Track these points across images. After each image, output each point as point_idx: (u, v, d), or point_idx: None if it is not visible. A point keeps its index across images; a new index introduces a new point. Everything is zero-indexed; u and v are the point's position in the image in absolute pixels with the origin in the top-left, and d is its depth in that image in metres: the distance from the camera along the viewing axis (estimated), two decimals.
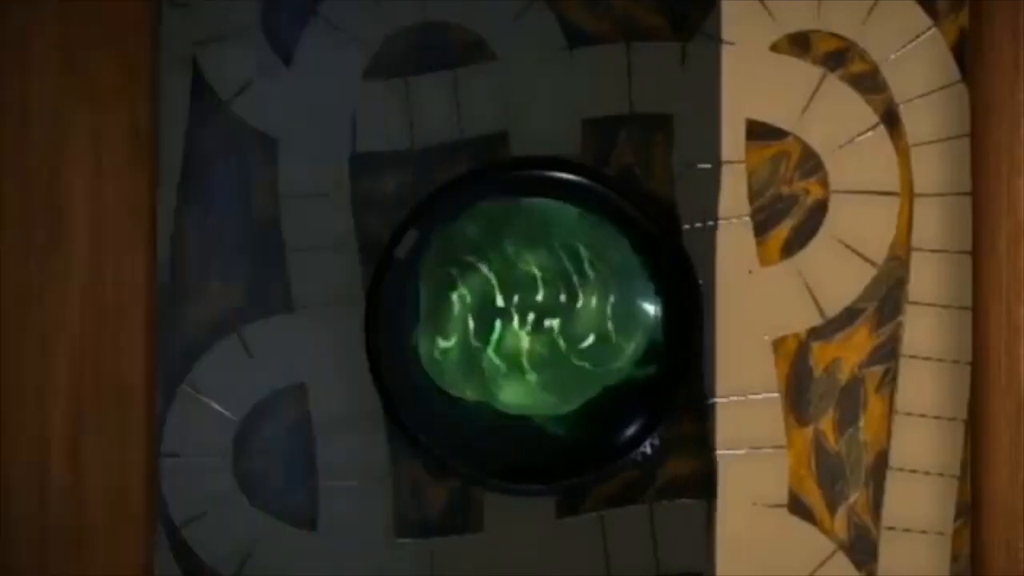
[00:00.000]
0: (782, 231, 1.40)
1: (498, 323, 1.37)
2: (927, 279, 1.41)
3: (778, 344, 1.40)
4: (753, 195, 1.40)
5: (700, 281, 1.38)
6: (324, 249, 1.38)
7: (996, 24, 1.34)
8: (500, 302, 1.37)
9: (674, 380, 1.38)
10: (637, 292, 1.38)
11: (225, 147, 1.38)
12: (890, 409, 1.41)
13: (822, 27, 1.39)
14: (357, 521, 1.39)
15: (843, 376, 1.41)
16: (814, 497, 1.41)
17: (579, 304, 1.38)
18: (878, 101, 1.40)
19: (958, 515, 1.40)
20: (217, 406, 1.38)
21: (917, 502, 1.41)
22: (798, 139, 1.40)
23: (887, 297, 1.41)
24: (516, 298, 1.38)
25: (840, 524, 1.41)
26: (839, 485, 1.41)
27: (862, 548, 1.41)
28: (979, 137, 1.36)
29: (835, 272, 1.40)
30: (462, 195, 1.38)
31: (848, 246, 1.40)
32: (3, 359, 1.35)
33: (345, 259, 1.38)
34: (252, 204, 1.38)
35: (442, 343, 1.37)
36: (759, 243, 1.40)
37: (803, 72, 1.40)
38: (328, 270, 1.38)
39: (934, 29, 1.40)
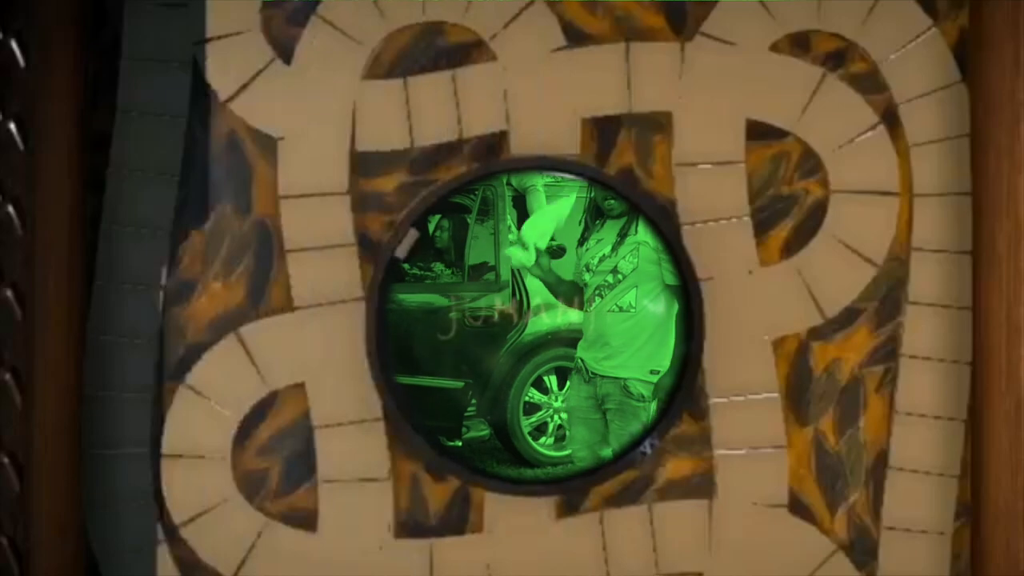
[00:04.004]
0: (782, 231, 1.41)
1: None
2: (927, 279, 1.41)
3: (778, 344, 1.40)
4: (753, 195, 1.40)
5: (700, 281, 1.38)
6: (324, 249, 1.38)
7: (996, 24, 1.34)
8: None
9: (674, 380, 1.38)
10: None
11: (225, 147, 1.38)
12: (890, 409, 1.41)
13: (822, 27, 1.39)
14: (357, 521, 1.39)
15: (843, 376, 1.41)
16: (814, 497, 1.41)
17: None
18: (878, 101, 1.41)
19: (958, 515, 1.41)
20: (217, 406, 1.38)
21: (917, 502, 1.41)
22: (798, 139, 1.40)
23: (887, 297, 1.41)
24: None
25: (840, 524, 1.41)
26: (839, 485, 1.41)
27: (862, 548, 1.41)
28: (979, 137, 1.36)
29: (835, 272, 1.40)
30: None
31: (848, 246, 1.40)
32: None
33: (345, 259, 1.38)
34: (252, 204, 1.38)
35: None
36: (759, 243, 1.40)
37: (803, 72, 1.40)
38: (328, 270, 1.38)
39: (934, 29, 1.40)
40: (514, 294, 1.41)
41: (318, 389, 1.38)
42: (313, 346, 1.38)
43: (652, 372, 1.38)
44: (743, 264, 1.40)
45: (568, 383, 1.41)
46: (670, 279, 1.37)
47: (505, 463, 1.41)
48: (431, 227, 1.40)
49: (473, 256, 1.42)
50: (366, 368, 1.37)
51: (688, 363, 1.38)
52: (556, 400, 1.43)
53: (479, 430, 1.41)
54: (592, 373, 1.38)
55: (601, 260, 1.38)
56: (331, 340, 1.38)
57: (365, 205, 1.38)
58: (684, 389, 1.38)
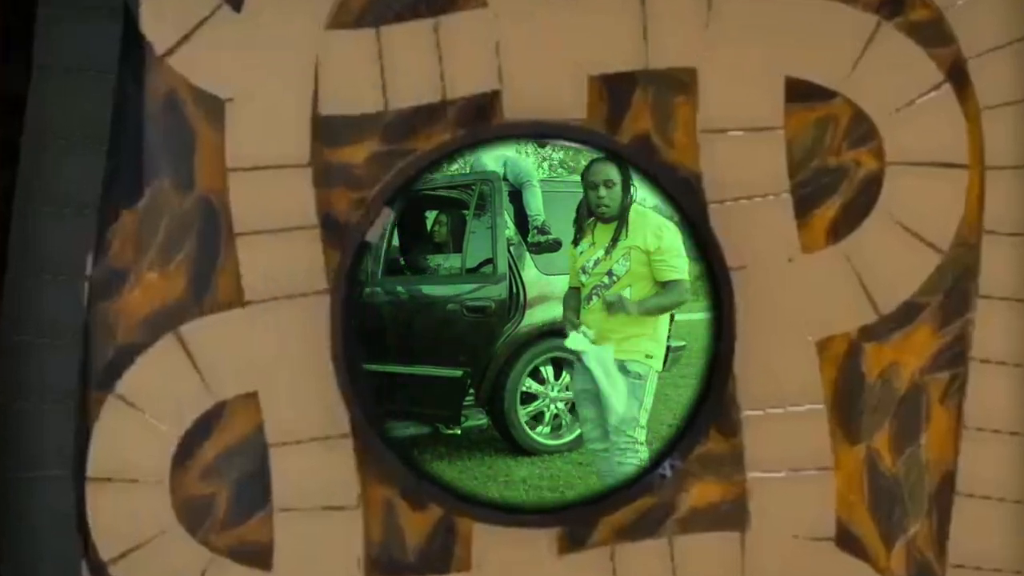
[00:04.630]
0: (828, 210, 1.30)
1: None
2: (1002, 268, 1.30)
3: (824, 345, 1.30)
4: (794, 167, 1.30)
5: (731, 270, 1.28)
6: (281, 232, 1.28)
7: None
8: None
9: (699, 388, 1.29)
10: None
11: (162, 109, 1.27)
12: (958, 423, 1.31)
13: None
14: (320, 556, 1.28)
15: (901, 384, 1.31)
16: (866, 528, 1.31)
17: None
18: (943, 55, 1.29)
19: None
20: (153, 419, 1.27)
21: (990, 534, 1.31)
22: (847, 100, 1.29)
23: (953, 290, 1.31)
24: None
25: (898, 561, 1.31)
26: (896, 514, 1.31)
27: None
28: None
29: (891, 260, 1.30)
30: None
31: (907, 228, 1.30)
32: None
33: (305, 244, 1.28)
34: (194, 178, 1.27)
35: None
36: (801, 225, 1.30)
37: (853, 20, 1.29)
38: (285, 257, 1.28)
39: None
40: (511, 287, 1.43)
41: (274, 399, 1.28)
42: (268, 348, 1.28)
43: (647, 356, 1.38)
44: (782, 250, 1.30)
45: (565, 372, 1.44)
46: (661, 277, 1.36)
47: (503, 452, 1.42)
48: (429, 223, 1.43)
49: (471, 250, 1.44)
50: (331, 374, 1.26)
51: (716, 368, 1.28)
52: (553, 390, 1.45)
53: (477, 419, 1.44)
54: None
55: (596, 263, 1.39)
56: (289, 341, 1.28)
57: (330, 179, 1.28)
58: (711, 399, 1.28)
